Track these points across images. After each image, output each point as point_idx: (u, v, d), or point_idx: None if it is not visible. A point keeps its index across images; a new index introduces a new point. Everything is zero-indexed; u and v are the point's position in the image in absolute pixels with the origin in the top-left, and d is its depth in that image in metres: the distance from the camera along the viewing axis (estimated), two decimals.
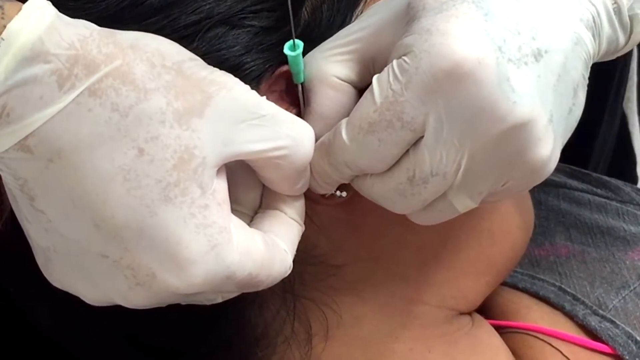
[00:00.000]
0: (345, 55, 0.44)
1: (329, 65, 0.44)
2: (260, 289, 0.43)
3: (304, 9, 0.46)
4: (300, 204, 0.46)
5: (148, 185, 0.39)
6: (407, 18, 0.42)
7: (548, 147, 0.41)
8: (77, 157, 0.38)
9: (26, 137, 0.38)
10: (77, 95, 0.38)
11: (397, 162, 0.43)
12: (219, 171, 0.41)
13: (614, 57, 0.47)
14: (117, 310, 0.44)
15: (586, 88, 0.44)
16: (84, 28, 0.39)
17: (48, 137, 0.38)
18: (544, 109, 0.41)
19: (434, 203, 0.44)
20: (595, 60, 0.45)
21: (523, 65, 0.40)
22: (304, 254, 0.48)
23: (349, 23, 0.47)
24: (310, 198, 0.47)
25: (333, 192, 0.46)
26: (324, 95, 0.44)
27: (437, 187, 0.42)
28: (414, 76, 0.41)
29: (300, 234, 0.45)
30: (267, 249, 0.42)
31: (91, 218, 0.39)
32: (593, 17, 0.44)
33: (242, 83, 0.42)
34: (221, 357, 0.51)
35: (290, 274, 0.45)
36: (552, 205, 0.67)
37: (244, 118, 0.41)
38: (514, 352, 0.55)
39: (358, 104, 0.43)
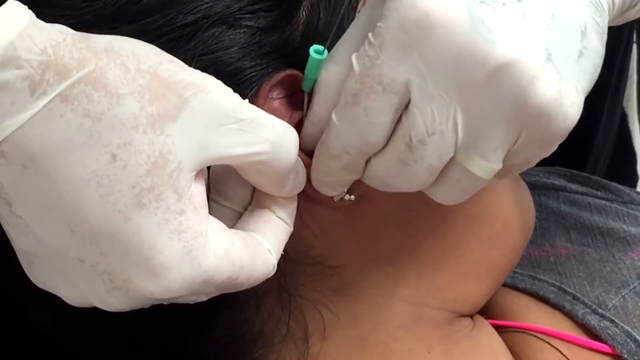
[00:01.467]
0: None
1: (325, 69, 0.44)
2: (242, 289, 0.42)
3: (301, 9, 0.46)
4: (291, 205, 0.45)
5: (121, 190, 0.38)
6: None
7: (551, 86, 0.39)
8: (50, 163, 0.38)
9: (0, 143, 0.38)
10: (49, 102, 0.38)
11: (393, 133, 0.42)
12: (197, 175, 0.40)
13: (631, 17, 0.46)
14: (111, 313, 0.44)
15: (604, 36, 0.42)
16: (57, 32, 0.38)
17: (21, 143, 0.38)
18: (536, 46, 0.40)
19: (446, 173, 0.42)
20: (614, 14, 0.44)
21: (500, 6, 0.40)
22: (301, 254, 0.48)
23: (347, 21, 0.46)
24: (311, 199, 0.46)
25: (343, 194, 0.46)
26: (329, 100, 0.44)
27: (438, 148, 0.41)
28: (385, 36, 0.40)
29: (289, 234, 0.45)
30: (247, 250, 0.42)
31: (66, 223, 0.39)
32: None
33: (222, 85, 0.41)
34: (218, 358, 0.51)
35: (287, 273, 0.45)
36: (553, 207, 0.66)
37: (222, 122, 0.40)
38: (513, 352, 0.55)
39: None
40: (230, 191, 0.44)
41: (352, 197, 0.47)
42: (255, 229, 0.44)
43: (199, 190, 0.40)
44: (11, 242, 0.42)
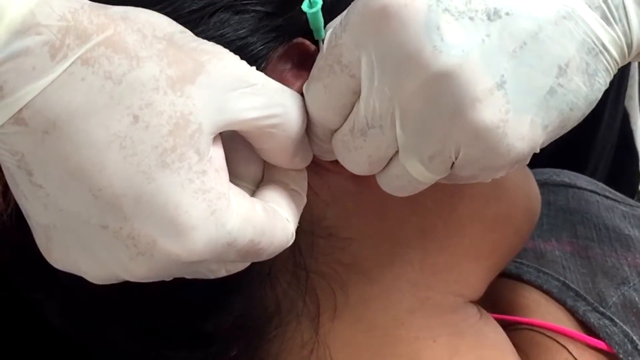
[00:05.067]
0: None
1: None
2: (262, 258, 0.43)
3: None
4: (302, 176, 0.46)
5: (144, 151, 0.39)
6: None
7: (493, 114, 0.39)
8: (71, 127, 0.38)
9: (20, 110, 0.38)
10: (70, 65, 0.38)
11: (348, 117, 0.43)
12: (214, 140, 0.41)
13: None
14: (128, 297, 0.44)
15: (598, 79, 0.41)
16: (74, 1, 0.39)
17: (42, 108, 0.38)
18: (489, 71, 0.39)
19: (389, 167, 0.43)
20: (631, 56, 0.42)
21: (466, 20, 0.39)
22: (313, 225, 0.49)
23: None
24: (320, 165, 0.47)
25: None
26: None
27: (377, 141, 0.42)
28: (350, 18, 0.41)
29: (303, 205, 0.46)
30: (267, 216, 0.42)
31: (89, 188, 0.39)
32: None
33: (231, 53, 0.42)
34: (236, 338, 0.51)
35: (301, 247, 0.45)
36: (561, 204, 0.67)
37: (236, 86, 0.41)
38: (520, 349, 0.56)
39: None
40: (241, 169, 0.45)
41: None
42: (270, 200, 0.44)
43: (218, 154, 0.41)
44: (27, 219, 0.42)
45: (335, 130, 0.44)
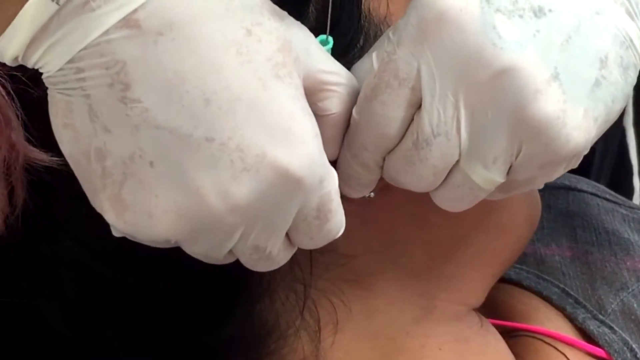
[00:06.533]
0: None
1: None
2: (324, 233, 0.42)
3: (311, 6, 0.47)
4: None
5: (259, 60, 0.39)
6: None
7: (554, 104, 0.40)
8: (190, 29, 0.38)
9: (135, 11, 0.37)
10: None
11: (406, 130, 0.43)
12: None
13: None
14: (127, 308, 0.44)
15: (630, 73, 0.43)
16: None
17: (160, 9, 0.37)
18: (544, 63, 0.40)
19: (450, 177, 0.43)
20: None
21: (516, 18, 0.41)
22: None
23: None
24: None
25: (367, 194, 0.47)
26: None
27: (442, 149, 0.42)
28: (403, 32, 0.42)
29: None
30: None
31: (202, 91, 0.38)
32: None
33: None
34: (234, 352, 0.51)
35: (301, 262, 0.45)
36: (561, 208, 0.67)
37: (314, 41, 0.42)
38: (519, 356, 0.56)
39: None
40: None
41: (372, 194, 0.47)
42: None
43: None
44: (102, 162, 0.39)
45: (390, 151, 0.44)
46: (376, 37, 0.46)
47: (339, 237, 0.47)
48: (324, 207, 0.41)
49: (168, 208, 0.39)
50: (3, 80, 0.41)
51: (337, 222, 0.43)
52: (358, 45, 0.46)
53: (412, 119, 0.43)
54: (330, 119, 0.43)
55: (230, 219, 0.39)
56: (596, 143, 0.44)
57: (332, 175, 0.42)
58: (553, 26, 0.41)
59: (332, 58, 0.43)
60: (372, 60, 0.43)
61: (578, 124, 0.41)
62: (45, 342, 0.55)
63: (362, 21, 0.47)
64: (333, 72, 0.42)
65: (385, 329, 0.52)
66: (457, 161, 0.43)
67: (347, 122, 0.44)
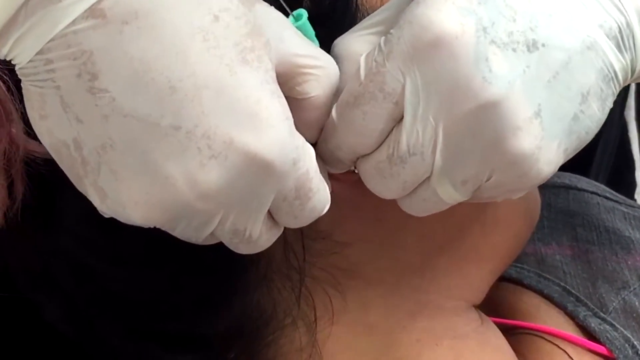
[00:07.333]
0: (372, 35, 0.44)
1: (356, 44, 0.45)
2: (307, 212, 0.42)
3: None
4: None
5: (226, 46, 0.38)
6: None
7: (531, 141, 0.41)
8: (155, 17, 0.37)
9: (100, 1, 0.37)
10: None
11: (383, 141, 0.43)
12: None
13: None
14: (126, 300, 0.44)
15: (608, 103, 0.43)
16: None
17: None
18: (529, 100, 0.41)
19: (417, 190, 0.44)
20: (631, 80, 0.44)
21: (510, 51, 0.41)
22: (308, 228, 0.48)
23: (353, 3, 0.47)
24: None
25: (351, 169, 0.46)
26: (347, 72, 0.44)
27: (415, 168, 0.42)
28: (395, 46, 0.41)
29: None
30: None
31: (168, 79, 0.37)
32: (620, 27, 0.43)
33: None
34: (233, 344, 0.51)
35: (295, 250, 0.45)
36: (562, 207, 0.67)
37: (288, 26, 0.42)
38: (521, 354, 0.56)
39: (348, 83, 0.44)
40: None
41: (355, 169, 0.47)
42: None
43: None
44: (79, 152, 0.39)
45: (364, 156, 0.44)
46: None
47: (332, 225, 0.48)
48: (303, 187, 0.41)
49: (139, 199, 0.39)
50: (3, 75, 0.40)
51: (321, 199, 0.43)
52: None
53: (391, 130, 0.43)
54: (310, 102, 0.42)
55: (200, 206, 0.39)
56: (597, 139, 0.45)
57: (309, 154, 0.41)
58: (543, 61, 0.41)
59: (309, 42, 0.43)
60: (358, 62, 0.43)
61: (550, 158, 0.42)
62: (44, 340, 0.55)
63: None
64: (309, 55, 0.42)
65: (381, 322, 0.52)
66: (428, 177, 0.43)
67: (329, 105, 0.44)
